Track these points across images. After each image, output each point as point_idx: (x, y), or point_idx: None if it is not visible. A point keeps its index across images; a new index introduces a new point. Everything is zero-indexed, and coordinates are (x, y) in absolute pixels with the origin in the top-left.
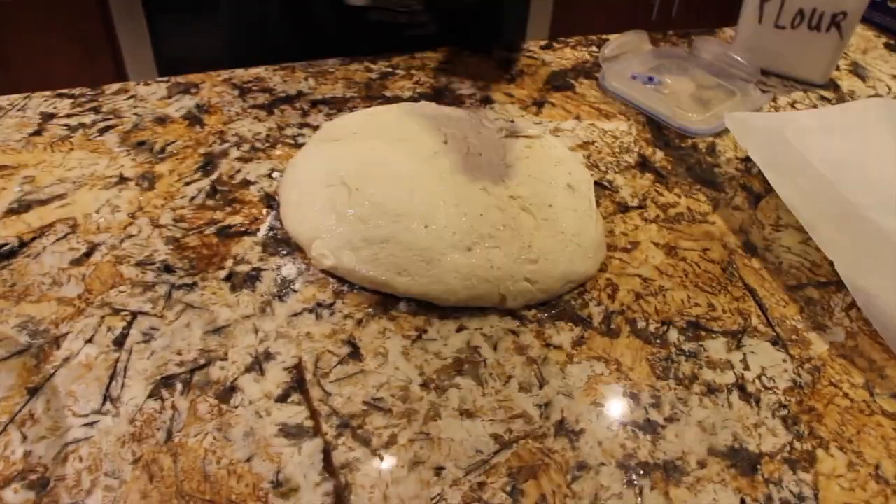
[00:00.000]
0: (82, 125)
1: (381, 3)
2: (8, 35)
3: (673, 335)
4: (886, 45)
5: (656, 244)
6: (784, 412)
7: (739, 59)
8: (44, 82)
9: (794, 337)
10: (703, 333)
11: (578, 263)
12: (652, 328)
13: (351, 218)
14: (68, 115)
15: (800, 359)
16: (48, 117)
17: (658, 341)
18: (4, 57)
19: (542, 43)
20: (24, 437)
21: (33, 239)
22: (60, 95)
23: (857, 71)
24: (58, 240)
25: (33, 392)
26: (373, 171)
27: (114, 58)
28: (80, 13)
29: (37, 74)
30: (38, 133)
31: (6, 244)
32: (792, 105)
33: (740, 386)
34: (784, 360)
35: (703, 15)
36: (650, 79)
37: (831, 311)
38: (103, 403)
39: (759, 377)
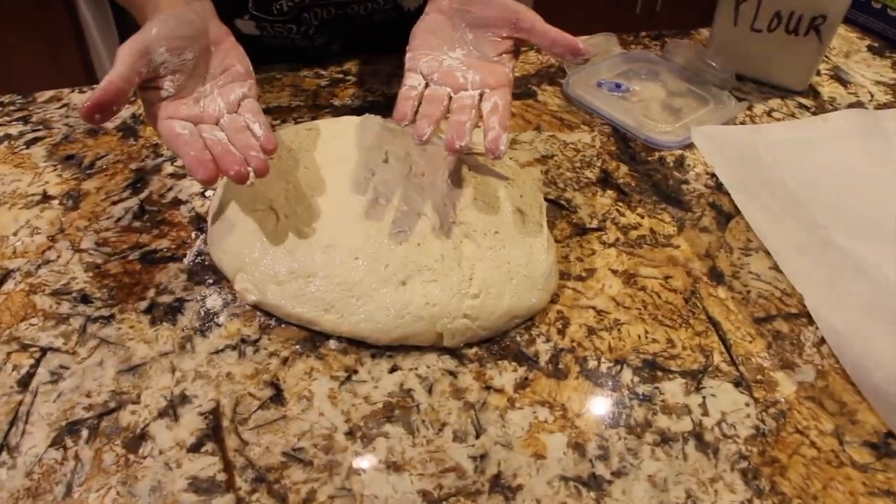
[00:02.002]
0: (8, 136)
1: None
2: None
3: (626, 376)
4: (870, 48)
5: (614, 271)
6: (744, 464)
7: (713, 64)
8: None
9: (759, 377)
10: (659, 374)
11: (525, 297)
12: (604, 368)
13: (277, 249)
14: None
15: (764, 402)
16: None
17: (610, 383)
18: None
19: None
20: None
21: None
22: None
23: (838, 76)
24: None
25: None
26: (303, 195)
27: (80, 52)
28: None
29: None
30: None
31: None
32: (769, 114)
33: (697, 434)
34: (747, 404)
35: (693, 7)
36: (617, 86)
37: (801, 347)
38: None
39: (718, 424)
